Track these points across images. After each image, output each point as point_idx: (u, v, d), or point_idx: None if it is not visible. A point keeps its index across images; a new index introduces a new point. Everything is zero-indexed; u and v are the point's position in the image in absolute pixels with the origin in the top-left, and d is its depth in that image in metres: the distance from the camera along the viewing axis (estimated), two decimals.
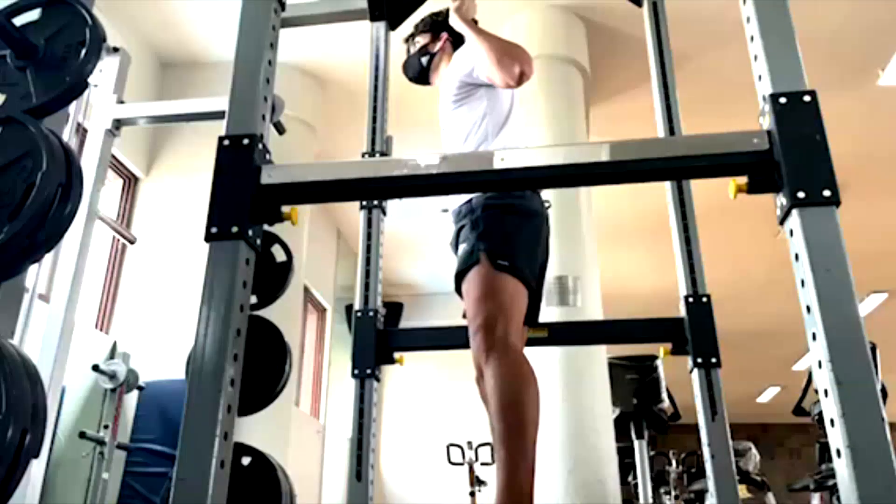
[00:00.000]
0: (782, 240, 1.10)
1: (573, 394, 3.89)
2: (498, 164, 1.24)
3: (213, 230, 1.21)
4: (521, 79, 1.92)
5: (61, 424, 3.56)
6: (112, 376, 3.64)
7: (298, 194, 1.34)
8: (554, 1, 4.87)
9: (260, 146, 1.28)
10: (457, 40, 2.22)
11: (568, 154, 1.25)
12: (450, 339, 2.14)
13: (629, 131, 3.12)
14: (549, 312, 3.97)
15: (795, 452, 13.62)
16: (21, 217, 1.20)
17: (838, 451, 0.95)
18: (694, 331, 1.94)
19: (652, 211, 4.38)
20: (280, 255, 1.92)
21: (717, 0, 4.49)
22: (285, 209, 1.30)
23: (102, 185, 2.85)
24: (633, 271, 8.12)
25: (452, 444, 5.90)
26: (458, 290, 1.91)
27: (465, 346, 1.87)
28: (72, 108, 2.34)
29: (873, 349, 4.00)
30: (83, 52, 1.41)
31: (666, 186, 2.15)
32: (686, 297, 1.98)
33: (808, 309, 1.02)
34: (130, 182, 5.13)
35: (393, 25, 2.42)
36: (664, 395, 4.76)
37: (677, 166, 1.28)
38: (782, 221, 1.10)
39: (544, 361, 3.90)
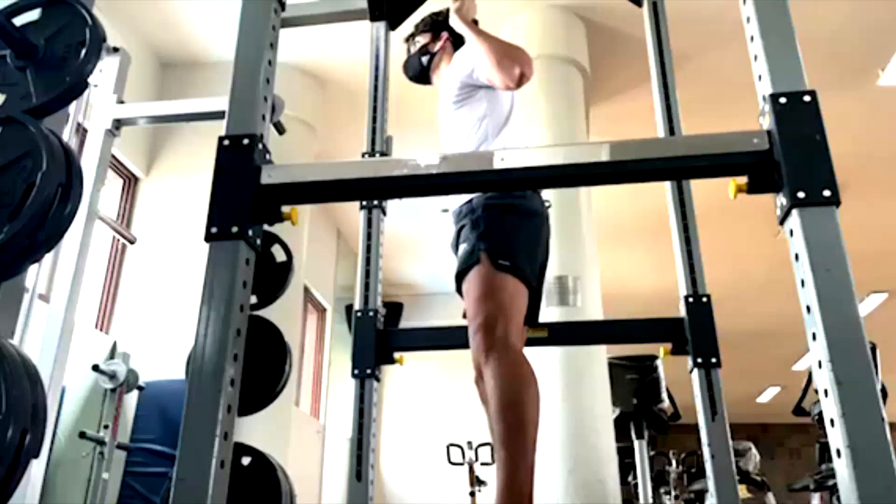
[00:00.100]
0: (782, 240, 1.10)
1: (573, 394, 3.89)
2: (498, 164, 1.24)
3: (213, 230, 1.21)
4: (520, 80, 1.92)
5: (61, 424, 3.56)
6: (112, 376, 3.63)
7: (298, 194, 1.34)
8: (554, 1, 4.87)
9: (260, 146, 1.28)
10: (457, 40, 2.22)
11: (568, 154, 1.25)
12: (450, 339, 2.14)
13: (629, 131, 3.12)
14: (549, 312, 3.97)
15: (795, 452, 13.62)
16: (21, 217, 1.20)
17: (838, 451, 0.95)
18: (694, 331, 1.94)
19: (652, 211, 4.38)
20: (280, 255, 1.92)
21: (717, 0, 4.49)
22: (285, 209, 1.30)
23: (102, 185, 2.85)
24: (633, 271, 8.12)
25: (452, 444, 5.90)
26: (459, 290, 1.91)
27: (465, 346, 1.87)
28: (72, 108, 2.34)
29: (873, 349, 4.00)
30: (83, 52, 1.41)
31: (666, 186, 2.15)
32: (686, 297, 1.98)
33: (808, 309, 1.02)
34: (130, 182, 5.13)
35: (393, 25, 2.42)
36: (664, 395, 4.76)
37: (677, 166, 1.28)
38: (782, 221, 1.10)
39: (544, 361, 3.90)
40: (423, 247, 7.62)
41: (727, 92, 4.80)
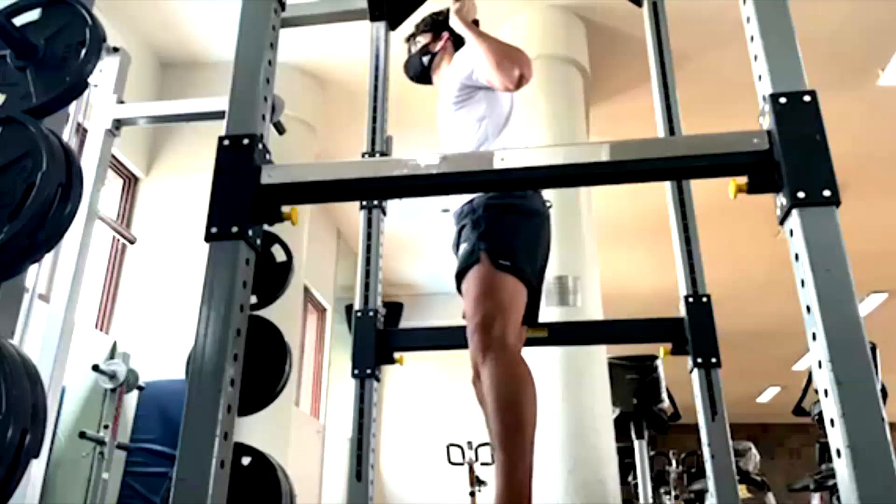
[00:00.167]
0: (782, 240, 1.10)
1: (573, 394, 3.89)
2: (498, 164, 1.24)
3: (213, 230, 1.21)
4: (520, 82, 1.92)
5: (61, 424, 3.56)
6: (112, 376, 3.63)
7: (298, 194, 1.34)
8: (554, 1, 4.87)
9: (260, 146, 1.28)
10: (458, 40, 2.22)
11: (568, 154, 1.25)
12: (450, 339, 2.14)
13: (629, 131, 3.12)
14: (549, 312, 3.97)
15: (795, 452, 13.62)
16: (21, 217, 1.20)
17: (838, 451, 0.95)
18: (694, 331, 1.94)
19: (652, 211, 4.38)
20: (280, 255, 1.92)
21: (717, 0, 4.49)
22: (285, 209, 1.30)
23: (102, 185, 2.85)
24: (633, 271, 8.12)
25: (452, 444, 5.90)
26: (460, 289, 1.91)
27: (466, 346, 1.87)
28: (72, 108, 2.34)
29: (873, 349, 4.00)
30: (83, 52, 1.41)
31: (666, 186, 2.15)
32: (686, 297, 1.98)
33: (808, 309, 1.02)
34: (130, 182, 5.13)
35: (393, 25, 2.42)
36: (664, 395, 4.76)
37: (677, 166, 1.28)
38: (782, 221, 1.10)
39: (544, 361, 3.90)
40: (423, 247, 7.62)
41: (727, 92, 4.80)
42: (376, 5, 2.35)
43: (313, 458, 6.84)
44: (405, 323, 8.29)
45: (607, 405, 4.16)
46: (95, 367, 3.63)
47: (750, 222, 6.67)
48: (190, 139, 5.06)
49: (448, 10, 2.23)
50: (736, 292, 8.04)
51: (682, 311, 1.98)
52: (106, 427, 3.45)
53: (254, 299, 1.76)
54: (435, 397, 8.53)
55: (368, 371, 2.02)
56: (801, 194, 1.06)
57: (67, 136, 2.22)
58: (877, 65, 5.25)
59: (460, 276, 1.89)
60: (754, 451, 6.87)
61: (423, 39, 2.32)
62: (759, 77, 1.18)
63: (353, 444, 1.97)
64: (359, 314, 2.11)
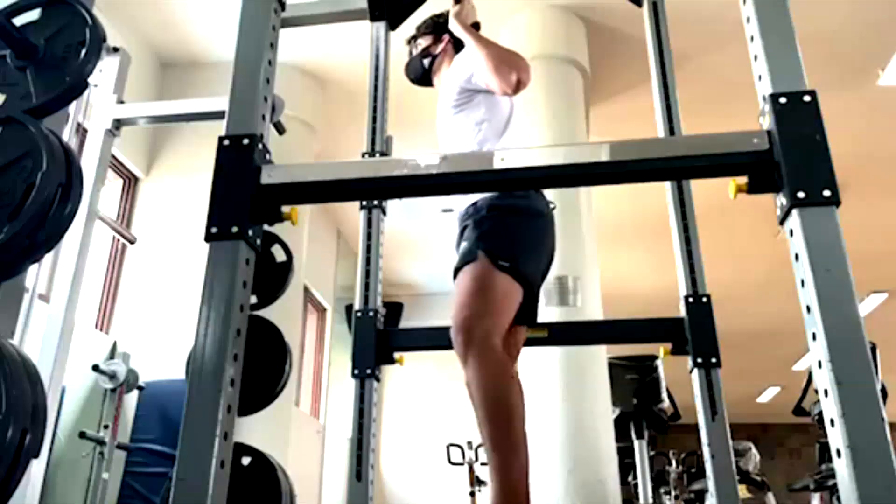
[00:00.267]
0: (782, 240, 1.10)
1: (573, 394, 3.89)
2: (498, 164, 1.24)
3: (213, 230, 1.21)
4: (517, 86, 1.91)
5: (61, 424, 3.56)
6: (112, 376, 3.64)
7: (298, 194, 1.34)
8: (554, 1, 4.87)
9: (260, 146, 1.28)
10: (459, 42, 2.22)
11: (568, 154, 1.25)
12: (450, 339, 2.13)
13: (629, 131, 3.13)
14: (549, 312, 3.97)
15: (795, 452, 13.62)
16: (21, 217, 1.20)
17: (838, 451, 0.95)
18: (694, 331, 1.94)
19: (652, 211, 4.38)
20: (280, 255, 1.92)
21: (717, 0, 4.49)
22: (285, 209, 1.30)
23: (102, 185, 2.85)
24: (633, 271, 8.12)
25: (452, 444, 5.90)
26: None
27: None
28: (72, 108, 2.34)
29: (873, 349, 4.00)
30: (83, 52, 1.41)
31: (666, 186, 2.15)
32: (686, 297, 1.98)
33: (808, 309, 1.02)
34: (130, 182, 5.13)
35: (393, 26, 2.42)
36: (664, 395, 4.76)
37: (677, 166, 1.28)
38: (782, 221, 1.10)
39: (544, 361, 3.90)
40: (423, 247, 7.62)
41: (727, 92, 4.80)
42: (376, 5, 2.35)
43: (313, 458, 6.84)
44: (405, 323, 8.29)
45: (607, 405, 4.16)
46: (95, 367, 3.63)
47: (750, 222, 6.67)
48: (190, 139, 5.06)
49: (448, 13, 2.23)
50: (736, 292, 8.04)
51: (682, 311, 1.99)
52: (106, 427, 3.45)
53: (254, 299, 1.76)
54: (435, 397, 8.53)
55: (368, 371, 2.02)
56: (801, 194, 1.06)
57: (67, 136, 2.22)
58: (877, 65, 5.25)
59: (457, 273, 1.88)
60: (754, 451, 6.87)
61: (423, 42, 2.32)
62: (759, 77, 1.18)
63: (353, 444, 1.97)
64: (359, 314, 2.11)
